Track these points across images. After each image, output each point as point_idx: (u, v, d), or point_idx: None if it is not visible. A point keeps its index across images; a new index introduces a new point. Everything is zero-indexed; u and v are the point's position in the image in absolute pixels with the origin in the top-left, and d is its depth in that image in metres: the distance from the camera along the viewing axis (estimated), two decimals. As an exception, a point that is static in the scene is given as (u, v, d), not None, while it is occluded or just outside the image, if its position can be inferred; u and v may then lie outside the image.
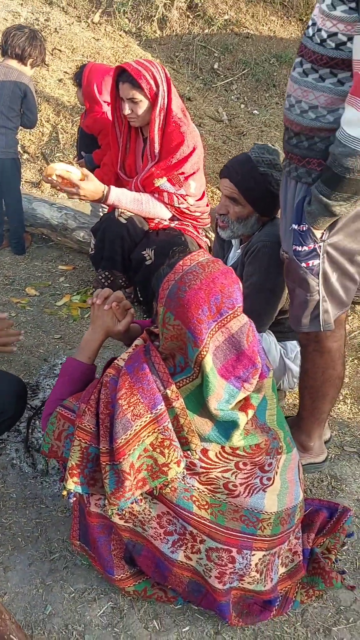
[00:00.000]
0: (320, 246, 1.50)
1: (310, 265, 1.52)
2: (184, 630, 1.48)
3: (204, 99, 5.26)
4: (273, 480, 1.41)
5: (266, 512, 1.40)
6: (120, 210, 2.58)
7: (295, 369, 2.11)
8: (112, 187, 2.52)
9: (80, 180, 2.44)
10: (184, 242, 2.57)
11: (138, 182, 2.59)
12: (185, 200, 2.58)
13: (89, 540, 1.50)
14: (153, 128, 2.47)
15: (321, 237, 1.49)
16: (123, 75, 2.42)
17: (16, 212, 3.08)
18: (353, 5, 1.25)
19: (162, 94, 2.42)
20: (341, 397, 2.32)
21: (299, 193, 1.51)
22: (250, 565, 1.41)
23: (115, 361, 1.40)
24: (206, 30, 5.83)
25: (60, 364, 2.35)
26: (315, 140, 1.44)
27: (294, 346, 2.16)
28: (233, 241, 2.19)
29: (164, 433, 1.29)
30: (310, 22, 1.41)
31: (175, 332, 1.29)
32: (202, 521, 1.38)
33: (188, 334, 1.26)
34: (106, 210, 2.89)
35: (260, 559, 1.42)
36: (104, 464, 1.32)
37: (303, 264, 1.53)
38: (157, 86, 2.40)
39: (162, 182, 2.53)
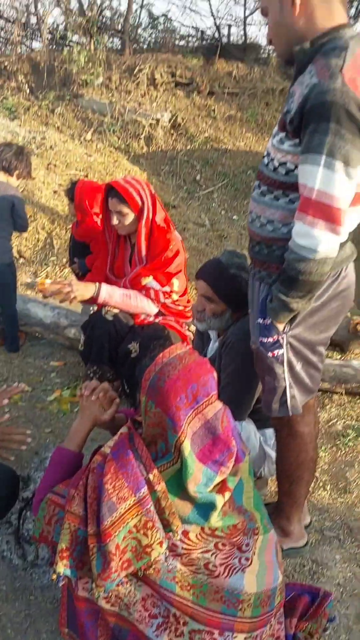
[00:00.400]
0: (283, 337, 1.68)
1: (276, 354, 1.70)
2: None
3: (188, 207, 5.68)
4: (251, 561, 1.49)
5: (246, 593, 1.47)
6: (107, 308, 2.78)
7: (274, 455, 2.23)
8: (103, 284, 2.73)
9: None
10: (167, 335, 2.75)
11: (127, 281, 2.81)
12: (170, 296, 2.80)
13: (77, 625, 1.54)
14: (140, 237, 2.73)
15: (283, 330, 1.67)
16: (112, 191, 2.69)
17: (11, 313, 3.28)
18: (297, 141, 1.52)
19: (147, 208, 2.69)
20: (320, 484, 2.42)
21: (262, 292, 1.72)
22: (233, 646, 1.46)
23: (102, 449, 1.53)
24: (188, 146, 6.40)
25: (51, 456, 2.44)
26: (273, 248, 1.66)
27: (272, 434, 2.28)
28: (211, 335, 2.38)
29: (147, 515, 1.40)
30: (265, 153, 1.68)
31: (156, 420, 1.43)
32: (185, 602, 1.44)
33: (168, 421, 1.40)
34: (95, 308, 3.09)
35: (242, 641, 1.48)
36: (92, 545, 1.41)
37: (269, 354, 1.70)
38: (143, 202, 2.68)
39: (149, 281, 2.75)
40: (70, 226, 4.61)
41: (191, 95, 6.95)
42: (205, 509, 1.43)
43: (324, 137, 1.41)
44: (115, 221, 2.72)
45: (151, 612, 1.47)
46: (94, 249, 3.21)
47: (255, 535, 1.52)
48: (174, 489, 1.43)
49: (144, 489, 1.40)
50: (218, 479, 1.44)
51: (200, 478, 1.41)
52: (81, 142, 6.26)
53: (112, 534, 1.37)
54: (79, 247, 3.35)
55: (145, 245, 2.76)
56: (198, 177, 6.11)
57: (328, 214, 1.46)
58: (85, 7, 7.49)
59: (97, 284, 2.71)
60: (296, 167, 1.54)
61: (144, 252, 2.77)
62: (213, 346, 2.39)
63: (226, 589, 1.45)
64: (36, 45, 8.16)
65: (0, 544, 2.06)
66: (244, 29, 7.98)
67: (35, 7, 7.63)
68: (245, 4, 7.88)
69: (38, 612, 1.81)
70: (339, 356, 3.42)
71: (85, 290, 2.67)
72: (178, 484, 1.43)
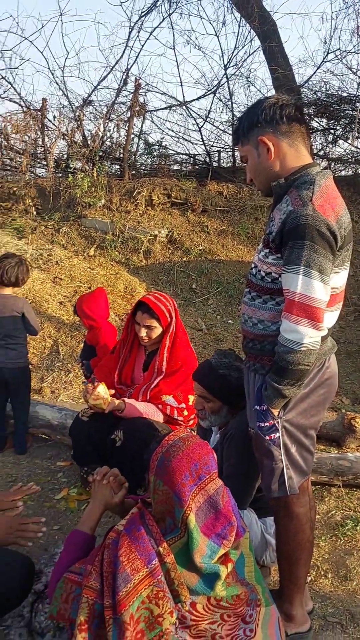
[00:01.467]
0: (278, 422, 1.89)
1: (273, 438, 1.90)
2: None
3: (185, 313, 6.03)
4: (255, 633, 1.61)
5: (252, 664, 1.57)
6: (83, 409, 2.95)
7: (275, 543, 2.34)
8: (127, 401, 2.88)
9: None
10: (148, 420, 2.87)
11: (147, 394, 2.95)
12: (182, 414, 2.98)
13: None
14: (163, 349, 2.94)
15: (278, 415, 1.89)
16: (144, 306, 2.91)
17: (22, 416, 3.47)
18: (279, 255, 1.84)
19: (173, 323, 2.95)
20: (322, 572, 2.50)
21: (257, 381, 1.95)
22: None
23: (115, 526, 1.69)
24: (184, 258, 6.89)
25: (59, 552, 2.54)
26: (265, 343, 1.93)
27: (272, 522, 2.41)
28: (213, 428, 2.58)
29: (158, 585, 1.53)
30: (252, 265, 1.99)
31: (164, 497, 1.61)
32: (195, 673, 1.54)
33: (174, 497, 1.58)
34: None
35: None
36: (108, 617, 1.53)
37: (267, 437, 1.90)
38: (171, 318, 2.93)
39: (169, 399, 2.95)
40: (76, 333, 4.93)
41: (186, 213, 7.57)
42: (210, 579, 1.57)
43: (301, 252, 1.73)
44: (143, 333, 2.92)
45: None
46: (99, 353, 3.48)
47: (257, 607, 1.64)
48: (182, 561, 1.58)
49: (155, 561, 1.55)
50: (221, 552, 1.59)
51: (205, 550, 1.57)
52: (84, 258, 6.75)
53: (126, 604, 1.51)
54: (88, 350, 3.62)
55: (166, 356, 2.96)
56: (194, 286, 6.52)
57: (310, 313, 1.75)
58: (88, 138, 8.33)
59: (122, 401, 2.87)
60: (279, 276, 1.84)
61: (164, 365, 2.96)
62: (215, 438, 2.58)
63: (233, 660, 1.56)
64: (41, 171, 8.96)
65: (14, 637, 2.12)
66: (233, 154, 8.83)
67: (43, 140, 8.47)
68: (233, 128, 8.78)
69: None
70: (336, 451, 3.57)
71: (114, 407, 2.83)
72: (185, 556, 1.58)
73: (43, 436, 3.66)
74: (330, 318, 1.91)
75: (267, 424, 1.90)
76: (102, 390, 2.79)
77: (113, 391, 2.94)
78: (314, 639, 2.11)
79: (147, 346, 3.08)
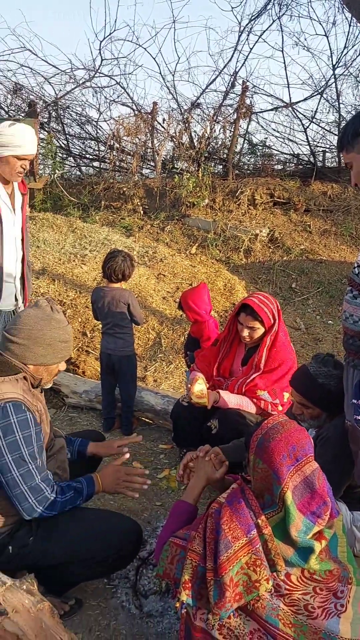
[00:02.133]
0: None
1: None
2: None
3: (283, 311, 6.09)
4: (346, 608, 1.71)
5: (341, 637, 1.67)
6: (183, 395, 3.15)
7: (360, 536, 2.43)
8: (221, 392, 3.06)
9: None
10: (241, 411, 3.01)
11: (243, 388, 3.10)
12: (276, 408, 3.09)
13: (192, 656, 1.80)
14: (263, 347, 3.06)
15: None
16: (247, 308, 3.03)
17: (129, 400, 3.75)
18: None
19: (276, 325, 3.04)
20: None
21: (356, 377, 2.04)
22: None
23: (218, 498, 1.86)
24: (284, 258, 6.94)
25: (161, 526, 2.76)
26: None
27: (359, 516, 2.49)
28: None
29: (256, 554, 1.68)
30: (355, 264, 2.08)
31: (263, 474, 1.75)
32: (287, 637, 1.67)
33: (273, 475, 1.72)
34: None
35: None
36: (209, 579, 1.70)
37: None
38: (274, 319, 3.03)
39: (263, 394, 3.07)
40: (178, 327, 5.16)
41: (288, 213, 7.61)
42: (305, 552, 1.69)
43: None
44: (245, 333, 3.06)
45: (257, 645, 1.70)
46: (203, 345, 3.67)
47: (349, 585, 1.74)
48: (279, 534, 1.72)
49: (254, 531, 1.70)
50: (315, 529, 1.71)
51: (300, 526, 1.69)
52: (187, 255, 6.99)
53: (227, 568, 1.67)
54: (192, 342, 3.83)
55: (266, 354, 3.08)
56: (294, 285, 6.57)
57: None
58: (194, 140, 8.58)
59: (217, 393, 3.05)
60: None
61: (263, 361, 3.08)
62: (309, 433, 2.68)
63: (324, 630, 1.67)
64: (148, 172, 9.35)
65: (121, 596, 2.36)
66: (338, 155, 8.73)
67: (152, 142, 8.84)
68: (339, 134, 8.70)
69: (153, 654, 2.06)
70: None
71: (211, 400, 3.03)
72: (282, 530, 1.72)
73: (147, 420, 3.91)
74: None
75: None
76: (203, 387, 2.97)
77: (208, 385, 3.11)
78: None
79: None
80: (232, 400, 3.05)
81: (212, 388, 3.17)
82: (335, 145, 8.73)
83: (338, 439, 2.28)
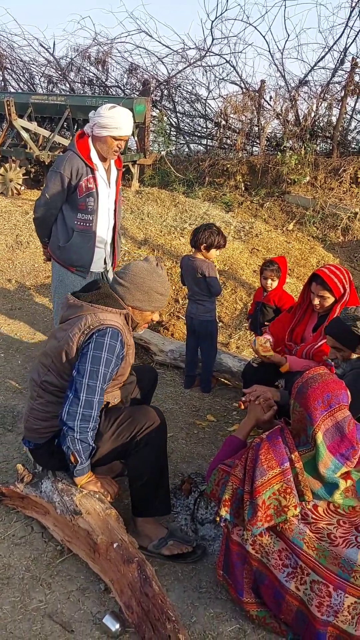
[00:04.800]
0: None
1: None
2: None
3: (376, 291, 6.08)
4: (366, 541, 1.93)
5: (359, 565, 1.90)
6: (254, 356, 3.37)
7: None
8: (289, 357, 3.27)
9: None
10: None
11: (311, 352, 3.30)
12: None
13: (229, 565, 2.10)
14: (332, 315, 3.16)
15: None
16: (318, 278, 3.18)
17: (209, 360, 4.07)
18: None
19: (347, 294, 3.17)
20: None
21: None
22: (343, 604, 1.88)
23: (261, 435, 2.13)
24: (384, 237, 6.87)
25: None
26: None
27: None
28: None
29: (287, 483, 1.94)
30: None
31: (300, 416, 2.00)
32: (309, 557, 1.92)
33: (307, 417, 1.96)
34: None
35: (352, 603, 1.88)
36: (246, 500, 1.99)
37: None
38: (344, 289, 3.16)
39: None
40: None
41: (392, 192, 7.47)
42: (331, 487, 1.93)
43: None
44: (316, 302, 3.21)
45: (284, 562, 1.97)
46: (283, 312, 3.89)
47: (371, 521, 1.95)
48: (309, 470, 1.96)
49: (287, 464, 1.96)
50: (343, 470, 1.94)
51: (329, 464, 1.93)
52: (283, 232, 7.12)
53: (260, 492, 1.94)
54: (266, 311, 4.08)
55: None
56: (390, 265, 6.52)
57: None
58: (300, 118, 8.58)
59: (284, 357, 3.27)
60: None
61: None
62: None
63: (343, 557, 1.90)
64: (252, 149, 9.47)
65: (180, 521, 2.70)
66: None
67: (258, 119, 8.94)
68: None
69: (202, 567, 2.39)
70: None
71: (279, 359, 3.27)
72: (312, 467, 1.96)
73: (224, 381, 4.22)
74: None
75: None
76: (268, 340, 3.23)
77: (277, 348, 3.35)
78: None
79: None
80: (299, 364, 3.26)
81: (282, 352, 3.39)
82: None
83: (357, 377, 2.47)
